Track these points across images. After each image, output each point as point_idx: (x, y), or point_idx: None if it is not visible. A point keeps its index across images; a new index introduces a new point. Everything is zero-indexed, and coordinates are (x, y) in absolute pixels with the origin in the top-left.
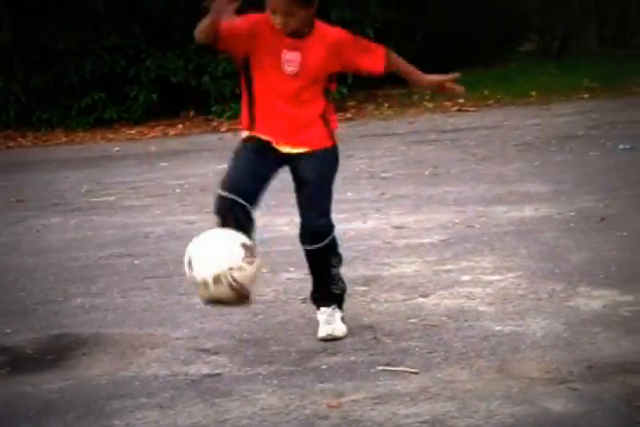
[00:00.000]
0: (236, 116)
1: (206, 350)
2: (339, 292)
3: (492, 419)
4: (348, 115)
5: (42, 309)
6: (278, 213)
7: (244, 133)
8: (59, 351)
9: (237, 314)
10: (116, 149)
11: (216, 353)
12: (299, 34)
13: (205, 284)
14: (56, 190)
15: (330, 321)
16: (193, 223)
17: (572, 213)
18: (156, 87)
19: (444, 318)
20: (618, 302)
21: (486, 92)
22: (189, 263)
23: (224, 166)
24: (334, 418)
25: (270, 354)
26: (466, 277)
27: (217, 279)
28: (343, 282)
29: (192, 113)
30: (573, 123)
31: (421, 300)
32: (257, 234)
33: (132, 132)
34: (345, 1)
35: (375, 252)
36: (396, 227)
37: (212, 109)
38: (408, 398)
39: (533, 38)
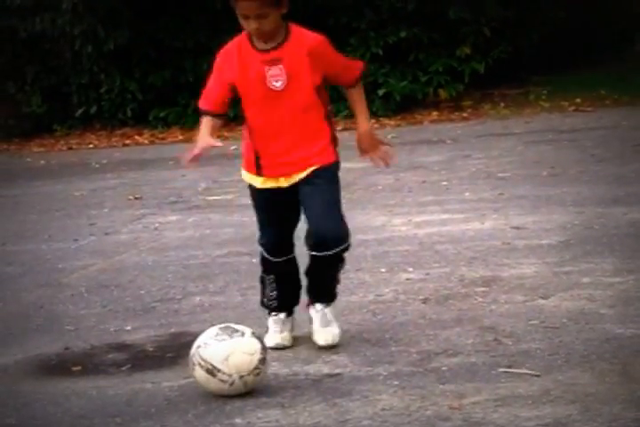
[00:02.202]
0: (351, 115)
1: (326, 349)
2: (336, 291)
3: (616, 423)
4: (465, 114)
5: (161, 306)
6: (397, 213)
7: (248, 177)
8: (178, 349)
9: (357, 314)
10: (233, 147)
11: (336, 353)
12: (274, 44)
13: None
14: (173, 188)
15: (327, 323)
16: None
17: None
18: None
19: (564, 320)
20: None
21: (603, 92)
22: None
23: (345, 165)
24: (456, 420)
25: (390, 354)
26: (586, 279)
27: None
28: (339, 280)
29: None
30: None
31: (542, 301)
32: (376, 234)
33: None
34: (463, 1)
35: (494, 252)
36: (515, 227)
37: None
38: (530, 401)
39: None
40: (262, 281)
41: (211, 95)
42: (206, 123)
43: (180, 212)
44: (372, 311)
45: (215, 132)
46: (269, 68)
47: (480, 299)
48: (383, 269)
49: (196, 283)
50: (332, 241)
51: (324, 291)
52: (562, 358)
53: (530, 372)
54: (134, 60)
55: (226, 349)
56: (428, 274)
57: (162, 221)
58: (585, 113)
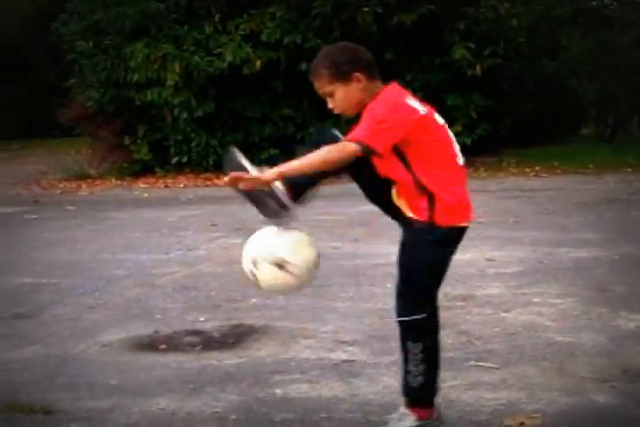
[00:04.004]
0: None
1: (345, 342)
2: (415, 385)
3: (552, 405)
4: None
5: (226, 304)
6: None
7: None
8: (237, 336)
9: (368, 317)
10: None
11: (351, 345)
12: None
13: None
14: (239, 218)
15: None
16: (338, 248)
17: (616, 257)
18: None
19: (519, 329)
20: None
21: (556, 163)
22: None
23: (364, 207)
24: (436, 398)
25: (391, 347)
26: (536, 299)
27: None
28: (425, 378)
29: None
30: (619, 189)
31: (503, 314)
32: (385, 259)
33: None
34: (457, 92)
35: (471, 277)
36: (487, 259)
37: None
38: (491, 387)
39: (591, 126)
40: None
41: None
42: None
43: (245, 236)
44: (379, 316)
45: None
46: None
47: (459, 310)
48: (389, 285)
49: (252, 289)
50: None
51: (403, 376)
52: (516, 357)
53: (492, 365)
54: (217, 124)
55: (292, 240)
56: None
57: (230, 242)
58: (541, 178)
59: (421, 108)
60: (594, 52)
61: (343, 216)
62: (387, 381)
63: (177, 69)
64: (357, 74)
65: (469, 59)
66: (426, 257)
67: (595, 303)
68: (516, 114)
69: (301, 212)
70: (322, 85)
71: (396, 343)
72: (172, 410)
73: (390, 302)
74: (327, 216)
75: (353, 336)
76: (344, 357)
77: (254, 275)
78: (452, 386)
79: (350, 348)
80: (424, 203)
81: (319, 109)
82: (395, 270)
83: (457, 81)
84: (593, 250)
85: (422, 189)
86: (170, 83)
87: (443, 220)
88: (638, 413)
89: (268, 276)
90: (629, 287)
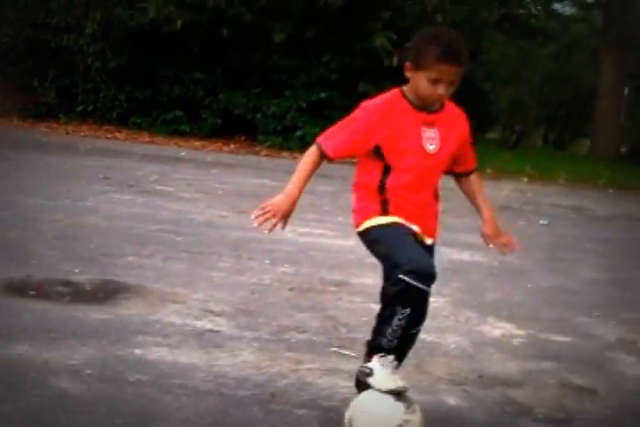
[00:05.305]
0: (273, 146)
1: (212, 312)
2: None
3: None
4: (354, 160)
5: (103, 259)
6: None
7: (373, 220)
8: (108, 292)
9: (240, 291)
10: (183, 153)
11: (219, 315)
12: (434, 107)
13: None
14: (133, 175)
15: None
16: (226, 217)
17: (496, 263)
18: (222, 115)
19: None
20: (512, 333)
21: None
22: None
23: (258, 180)
24: (292, 378)
25: (257, 324)
26: None
27: None
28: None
29: (243, 138)
30: (512, 198)
31: (372, 305)
32: (269, 236)
33: (197, 143)
34: (370, 79)
35: (349, 263)
36: None
37: (258, 138)
38: (347, 375)
39: (498, 130)
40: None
41: (342, 145)
42: (305, 173)
43: (134, 193)
44: (251, 290)
45: (302, 189)
46: (426, 129)
47: (330, 296)
48: (267, 262)
49: (132, 247)
50: None
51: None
52: None
53: (352, 354)
54: (127, 77)
55: (420, 416)
56: (298, 271)
57: (119, 198)
58: None
59: None
60: (513, 59)
61: (235, 186)
62: (246, 356)
63: (98, 18)
64: None
65: (389, 48)
66: None
67: (465, 306)
68: None
69: (195, 178)
70: (458, 72)
71: (263, 320)
72: (30, 357)
73: (266, 278)
74: (219, 184)
75: (222, 307)
76: (209, 326)
77: None
78: (309, 369)
79: (217, 318)
80: None
81: (231, 77)
82: (276, 246)
83: (373, 69)
84: (475, 254)
85: None
86: (88, 30)
87: None
88: (485, 418)
89: None
90: (502, 295)
